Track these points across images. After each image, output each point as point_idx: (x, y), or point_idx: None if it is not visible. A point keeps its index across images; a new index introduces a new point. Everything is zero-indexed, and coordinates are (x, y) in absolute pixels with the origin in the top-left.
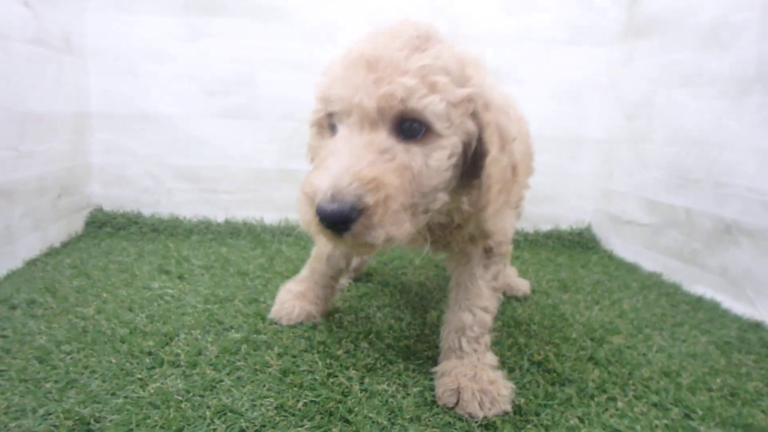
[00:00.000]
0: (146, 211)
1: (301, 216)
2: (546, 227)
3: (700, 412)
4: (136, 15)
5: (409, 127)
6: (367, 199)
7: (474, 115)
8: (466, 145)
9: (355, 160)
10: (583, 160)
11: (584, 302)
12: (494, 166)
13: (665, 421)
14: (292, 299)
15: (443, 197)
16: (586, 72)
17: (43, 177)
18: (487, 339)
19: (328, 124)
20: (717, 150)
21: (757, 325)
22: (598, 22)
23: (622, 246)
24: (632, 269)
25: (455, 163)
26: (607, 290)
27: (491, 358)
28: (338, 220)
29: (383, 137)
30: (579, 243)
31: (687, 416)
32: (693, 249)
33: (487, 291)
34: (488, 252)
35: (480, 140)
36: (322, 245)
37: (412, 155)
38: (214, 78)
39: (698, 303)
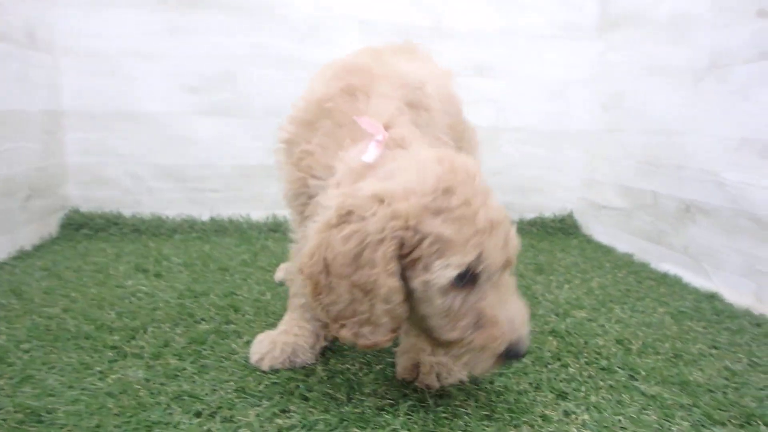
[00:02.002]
0: (127, 212)
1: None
2: (531, 215)
3: (644, 373)
4: (110, 10)
5: None
6: None
7: None
8: None
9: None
10: (567, 151)
11: (556, 282)
12: None
13: (610, 382)
14: (274, 336)
15: None
16: (569, 66)
17: (9, 178)
18: None
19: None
20: (677, 136)
21: (711, 296)
22: (577, 18)
23: (600, 230)
24: (607, 251)
25: None
26: (580, 271)
27: None
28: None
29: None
30: (561, 229)
31: (631, 377)
32: (660, 230)
33: None
34: None
35: None
36: (297, 261)
37: None
38: (195, 74)
39: (663, 279)
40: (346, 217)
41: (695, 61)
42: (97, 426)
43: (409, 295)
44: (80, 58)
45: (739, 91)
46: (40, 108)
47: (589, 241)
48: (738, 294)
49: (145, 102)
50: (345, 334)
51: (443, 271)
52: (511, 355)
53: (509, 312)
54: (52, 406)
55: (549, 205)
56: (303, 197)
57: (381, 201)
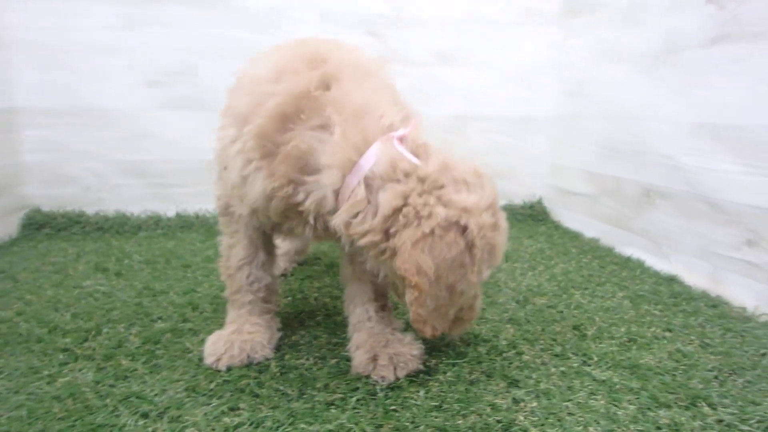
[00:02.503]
0: (90, 210)
1: None
2: (501, 203)
3: (596, 358)
4: (64, 3)
5: None
6: None
7: None
8: None
9: None
10: (533, 138)
11: (520, 269)
12: None
13: (562, 369)
14: (227, 335)
15: None
16: (532, 53)
17: None
18: (389, 305)
19: None
20: (636, 121)
21: (671, 279)
22: (540, 4)
23: (568, 216)
24: (575, 237)
25: None
26: (545, 257)
27: (397, 323)
28: None
29: None
30: (530, 216)
31: (584, 363)
32: (623, 214)
33: None
34: None
35: None
36: (236, 257)
37: None
38: (155, 68)
39: (626, 263)
40: (447, 226)
41: (651, 47)
42: (41, 431)
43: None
44: (34, 54)
45: (692, 76)
46: None
47: (557, 227)
48: (695, 276)
49: (104, 97)
50: (428, 330)
51: (487, 272)
52: None
53: None
54: None
55: (518, 192)
56: (288, 189)
57: (469, 212)
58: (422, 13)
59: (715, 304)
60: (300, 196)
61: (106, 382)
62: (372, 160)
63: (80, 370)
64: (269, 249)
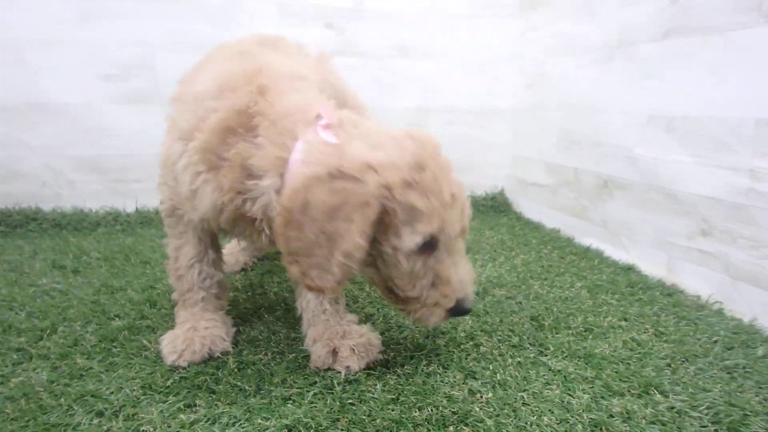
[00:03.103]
0: (47, 206)
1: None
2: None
3: (552, 348)
4: None
5: None
6: None
7: None
8: None
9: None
10: (495, 129)
11: (481, 261)
12: None
13: (518, 359)
14: (184, 333)
15: None
16: (492, 45)
17: None
18: (342, 298)
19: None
20: (593, 113)
21: (628, 269)
22: None
23: (529, 207)
24: (536, 227)
25: None
26: (506, 248)
27: (352, 316)
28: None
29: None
30: (492, 207)
31: (540, 353)
32: (582, 205)
33: None
34: None
35: None
36: (185, 256)
37: None
38: (110, 62)
39: (585, 253)
40: (337, 174)
41: (606, 40)
42: None
43: (374, 257)
44: None
45: (645, 68)
46: None
47: (519, 218)
48: (652, 266)
49: (58, 92)
50: (294, 270)
51: (411, 237)
52: (458, 310)
53: (459, 273)
54: None
55: (480, 183)
56: (237, 200)
57: (372, 169)
58: (382, 6)
59: (671, 292)
60: (248, 206)
61: (60, 381)
62: (300, 154)
63: (34, 369)
64: (217, 247)
